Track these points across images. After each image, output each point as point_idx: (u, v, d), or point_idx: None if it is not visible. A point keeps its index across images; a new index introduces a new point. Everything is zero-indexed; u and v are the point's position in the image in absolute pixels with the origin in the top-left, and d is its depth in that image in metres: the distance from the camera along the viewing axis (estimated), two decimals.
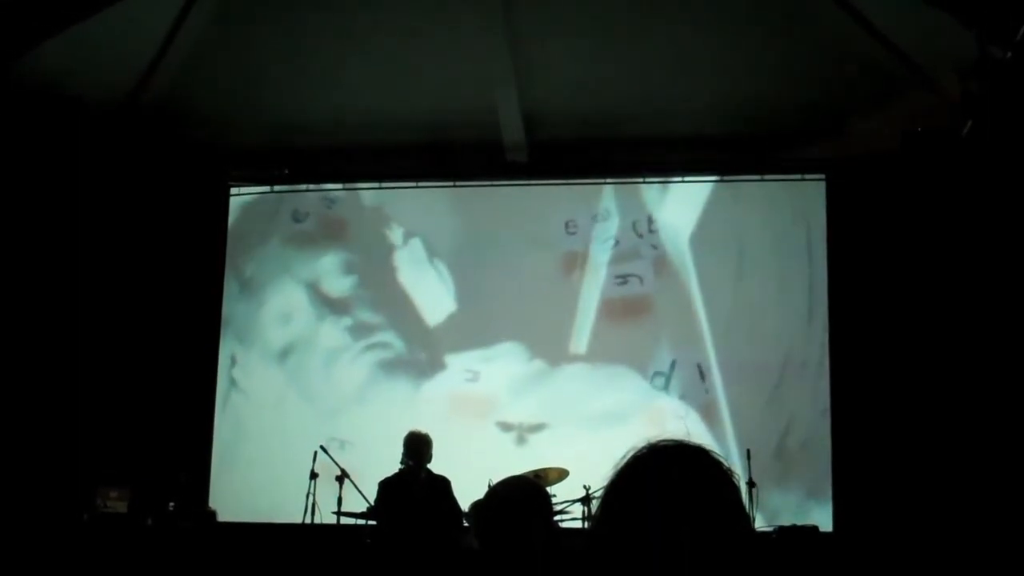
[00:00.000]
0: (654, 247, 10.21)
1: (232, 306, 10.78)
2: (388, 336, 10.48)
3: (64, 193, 9.94)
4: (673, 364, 10.00)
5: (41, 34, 8.25)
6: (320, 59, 9.91)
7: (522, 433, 10.08)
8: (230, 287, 10.79)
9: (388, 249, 10.65)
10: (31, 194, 9.66)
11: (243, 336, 10.74)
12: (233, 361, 10.69)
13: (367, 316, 10.55)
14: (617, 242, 10.29)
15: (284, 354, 10.63)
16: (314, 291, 10.67)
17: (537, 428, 10.07)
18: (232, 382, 10.67)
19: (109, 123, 9.97)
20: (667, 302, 10.14)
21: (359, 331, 10.53)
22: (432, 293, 10.50)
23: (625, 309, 10.18)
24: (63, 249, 10.01)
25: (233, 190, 10.97)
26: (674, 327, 10.13)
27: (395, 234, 10.66)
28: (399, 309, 10.51)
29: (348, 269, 10.68)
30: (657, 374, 10.02)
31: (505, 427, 10.11)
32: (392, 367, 10.42)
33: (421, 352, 10.43)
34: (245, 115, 10.42)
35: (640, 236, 10.24)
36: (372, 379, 10.43)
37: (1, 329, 9.45)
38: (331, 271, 10.68)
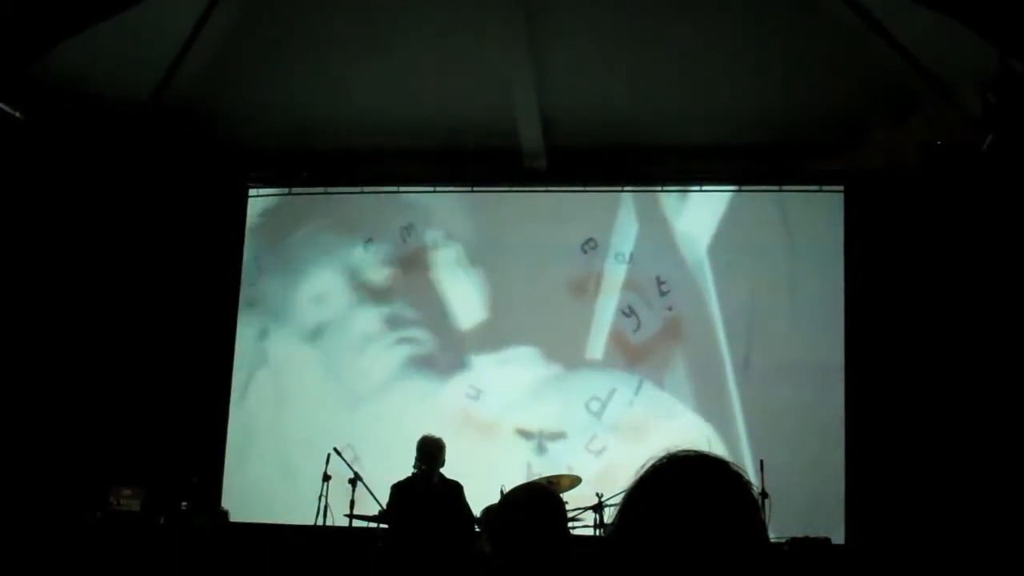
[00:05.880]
0: (669, 308, 10.19)
1: (268, 283, 10.85)
2: (418, 333, 10.52)
3: (84, 190, 10.00)
4: (612, 392, 10.05)
5: (64, 32, 8.29)
6: (341, 62, 9.94)
7: (542, 440, 10.09)
8: (249, 272, 10.89)
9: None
10: (53, 190, 9.72)
11: (277, 313, 10.80)
12: (264, 334, 10.78)
13: (399, 310, 10.59)
14: (632, 256, 10.30)
15: (315, 335, 10.71)
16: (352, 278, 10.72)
17: (557, 435, 10.08)
18: (262, 355, 10.74)
19: (131, 121, 10.02)
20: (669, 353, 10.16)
21: (391, 323, 10.57)
22: (464, 297, 10.54)
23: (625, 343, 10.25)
24: (80, 246, 10.07)
25: (252, 191, 11.02)
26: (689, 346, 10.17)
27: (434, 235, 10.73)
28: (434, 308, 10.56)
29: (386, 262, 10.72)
30: (594, 399, 10.06)
31: (525, 434, 10.12)
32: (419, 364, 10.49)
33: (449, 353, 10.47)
34: (265, 117, 10.46)
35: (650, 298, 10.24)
36: (398, 375, 10.50)
37: (16, 328, 9.50)
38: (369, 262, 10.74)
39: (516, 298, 10.42)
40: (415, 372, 10.45)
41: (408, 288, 10.62)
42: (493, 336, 10.42)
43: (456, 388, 10.34)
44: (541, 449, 10.01)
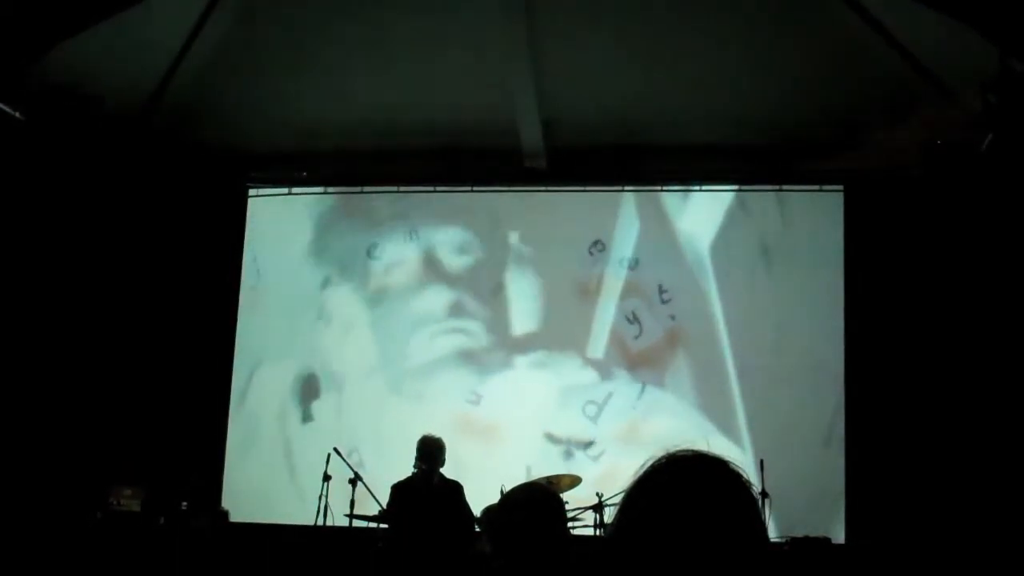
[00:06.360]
0: (672, 317, 10.18)
1: (346, 236, 10.84)
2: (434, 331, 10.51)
3: (84, 190, 10.00)
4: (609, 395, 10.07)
5: (64, 32, 8.28)
6: (340, 62, 9.92)
7: (546, 443, 10.08)
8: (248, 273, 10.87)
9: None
10: (53, 191, 9.70)
11: (344, 266, 10.78)
12: (326, 283, 10.77)
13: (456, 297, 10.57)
14: (636, 262, 10.30)
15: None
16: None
17: (559, 438, 10.08)
18: (320, 307, 10.73)
19: (131, 121, 10.01)
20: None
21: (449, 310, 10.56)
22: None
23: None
24: (80, 247, 10.06)
25: (251, 191, 11.03)
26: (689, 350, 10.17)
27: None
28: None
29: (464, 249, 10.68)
30: (590, 403, 10.08)
31: (531, 437, 10.11)
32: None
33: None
34: (265, 116, 10.45)
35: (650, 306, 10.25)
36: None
37: (16, 328, 9.49)
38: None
39: (522, 299, 10.42)
40: (428, 374, 10.44)
41: (416, 288, 10.62)
42: (499, 336, 10.43)
43: (458, 392, 10.34)
44: (543, 451, 9.99)
